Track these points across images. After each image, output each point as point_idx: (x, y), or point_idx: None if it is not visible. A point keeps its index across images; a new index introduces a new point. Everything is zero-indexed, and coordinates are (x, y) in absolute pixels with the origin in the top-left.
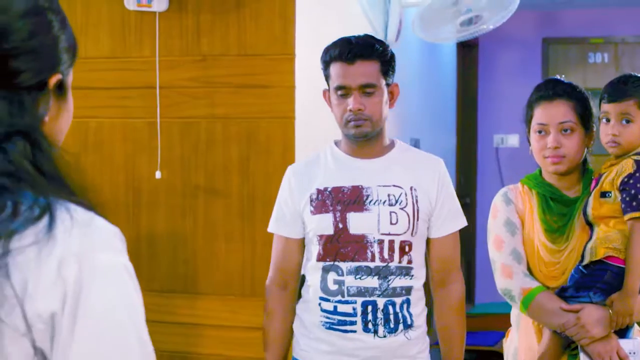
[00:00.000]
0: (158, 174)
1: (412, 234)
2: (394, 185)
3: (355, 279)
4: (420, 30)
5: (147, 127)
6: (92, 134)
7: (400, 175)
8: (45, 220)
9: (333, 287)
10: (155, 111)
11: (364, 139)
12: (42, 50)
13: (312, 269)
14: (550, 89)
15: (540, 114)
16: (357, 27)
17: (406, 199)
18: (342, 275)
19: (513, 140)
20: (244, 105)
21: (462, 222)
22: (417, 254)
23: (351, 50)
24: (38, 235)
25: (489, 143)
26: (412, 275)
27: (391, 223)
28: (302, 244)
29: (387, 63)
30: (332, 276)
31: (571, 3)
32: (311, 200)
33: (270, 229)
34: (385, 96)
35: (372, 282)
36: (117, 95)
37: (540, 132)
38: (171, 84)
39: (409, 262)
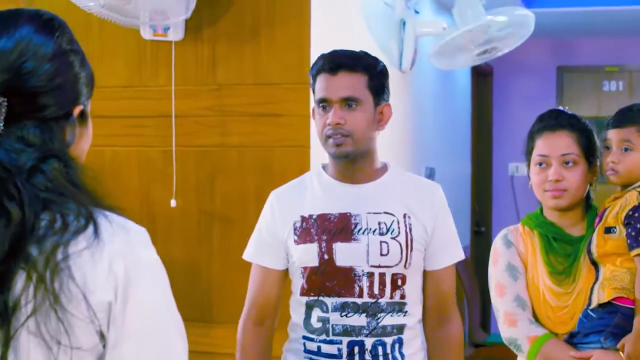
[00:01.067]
0: (173, 203)
1: (405, 265)
2: (386, 213)
3: (341, 316)
4: (436, 59)
5: (162, 155)
6: (108, 163)
7: (393, 201)
8: (91, 227)
9: (317, 324)
10: (171, 140)
11: (346, 159)
12: (65, 87)
13: (295, 304)
14: (553, 119)
15: (542, 145)
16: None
17: (398, 228)
18: (327, 312)
19: None
20: (259, 133)
21: (460, 254)
22: (412, 289)
23: (334, 60)
24: (89, 240)
25: (504, 171)
26: (406, 312)
27: (381, 254)
28: (282, 276)
29: (376, 78)
30: (316, 313)
31: (586, 32)
32: (295, 229)
33: (246, 257)
34: (372, 114)
35: (360, 320)
36: (132, 124)
37: (541, 164)
38: (186, 112)
39: (402, 297)
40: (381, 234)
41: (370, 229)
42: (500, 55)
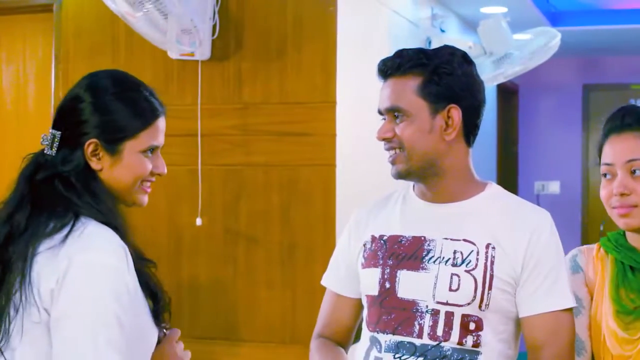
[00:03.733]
0: (199, 221)
1: (480, 306)
2: (465, 240)
3: (394, 358)
4: None
5: (188, 174)
6: None
7: (475, 227)
8: (65, 231)
9: None
10: (197, 159)
11: (408, 179)
12: (71, 127)
13: (362, 338)
14: (619, 119)
15: (607, 151)
16: None
17: (477, 260)
18: (380, 351)
19: (554, 187)
20: (285, 152)
21: (562, 303)
22: (492, 337)
23: (384, 63)
24: (57, 242)
25: (529, 190)
26: None
27: (450, 289)
28: (357, 305)
29: (435, 78)
30: (373, 353)
31: (611, 50)
32: (364, 250)
33: (322, 281)
34: (428, 123)
35: None
36: None
37: (606, 175)
38: (213, 131)
39: (476, 345)
40: (454, 265)
41: (443, 258)
42: (524, 73)
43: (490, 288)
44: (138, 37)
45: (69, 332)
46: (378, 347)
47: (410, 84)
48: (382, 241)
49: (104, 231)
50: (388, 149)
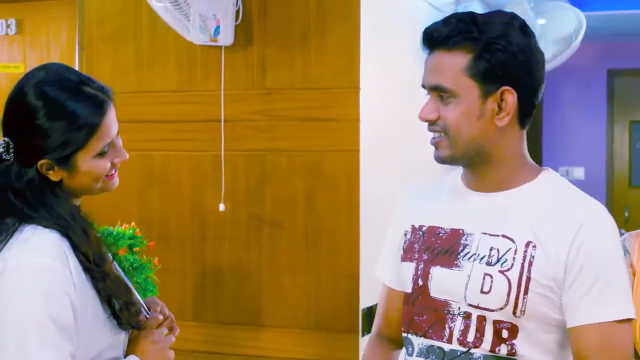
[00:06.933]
0: (222, 207)
1: (514, 312)
2: (504, 236)
3: None
4: None
5: (212, 160)
6: (157, 167)
7: (518, 221)
8: (9, 238)
9: None
10: (220, 144)
11: (452, 164)
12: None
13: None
14: None
15: None
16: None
17: (513, 259)
18: (412, 354)
19: (579, 172)
20: (308, 138)
21: (618, 312)
22: (530, 347)
23: (430, 32)
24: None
25: None
26: None
27: (482, 291)
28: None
29: (486, 56)
30: (405, 355)
31: (636, 35)
32: (404, 241)
33: (375, 270)
34: (476, 107)
35: None
36: (182, 129)
37: None
38: (236, 117)
39: (511, 353)
40: (488, 264)
41: (478, 255)
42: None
43: (526, 292)
44: (161, 23)
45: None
46: (410, 349)
47: (459, 61)
48: (420, 232)
49: (43, 234)
50: (431, 131)
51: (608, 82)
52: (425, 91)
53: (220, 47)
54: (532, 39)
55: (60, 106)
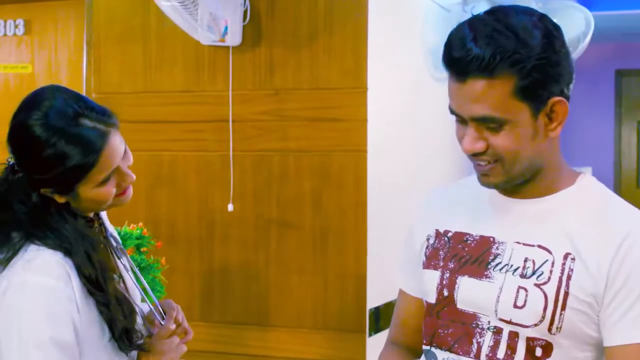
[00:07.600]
0: (230, 207)
1: (550, 329)
2: (540, 247)
3: None
4: None
5: (220, 160)
6: (165, 167)
7: (556, 231)
8: (10, 255)
9: None
10: (228, 144)
11: (504, 187)
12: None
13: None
14: None
15: None
16: (431, 62)
17: (550, 272)
18: None
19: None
20: (316, 138)
21: None
22: None
23: (461, 58)
24: (3, 265)
25: None
26: None
27: (515, 305)
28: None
29: (536, 75)
30: None
31: None
32: (427, 247)
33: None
34: (531, 126)
35: None
36: (190, 129)
37: None
38: (244, 117)
39: None
40: (523, 277)
41: (511, 266)
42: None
43: (563, 308)
44: (169, 23)
45: (2, 352)
46: None
47: (505, 87)
48: (445, 238)
49: (48, 254)
50: (478, 160)
51: (616, 83)
52: (454, 117)
53: (228, 47)
54: (561, 32)
55: (52, 146)
